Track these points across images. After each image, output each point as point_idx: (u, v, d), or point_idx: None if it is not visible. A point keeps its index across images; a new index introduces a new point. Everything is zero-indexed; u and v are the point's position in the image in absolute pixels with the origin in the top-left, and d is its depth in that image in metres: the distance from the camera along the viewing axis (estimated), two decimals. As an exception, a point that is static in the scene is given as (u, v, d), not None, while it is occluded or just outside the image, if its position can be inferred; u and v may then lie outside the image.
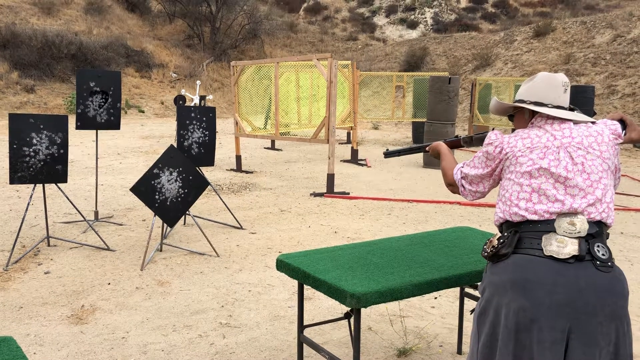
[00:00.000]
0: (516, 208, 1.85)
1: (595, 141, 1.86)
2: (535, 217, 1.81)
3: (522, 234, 1.83)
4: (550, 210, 1.80)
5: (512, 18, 33.04)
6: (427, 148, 2.53)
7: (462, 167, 2.14)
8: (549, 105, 1.95)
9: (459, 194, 2.17)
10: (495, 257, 1.86)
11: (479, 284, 2.01)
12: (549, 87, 1.97)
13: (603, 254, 1.75)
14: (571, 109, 1.99)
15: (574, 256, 1.73)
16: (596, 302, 1.69)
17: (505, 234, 1.88)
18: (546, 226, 1.79)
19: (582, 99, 12.88)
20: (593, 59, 18.05)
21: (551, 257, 1.75)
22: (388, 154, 2.76)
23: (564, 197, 1.80)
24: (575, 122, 1.93)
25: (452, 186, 2.19)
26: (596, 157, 1.84)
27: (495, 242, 1.88)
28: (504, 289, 1.78)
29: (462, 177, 2.12)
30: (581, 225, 1.76)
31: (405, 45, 27.94)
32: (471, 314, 2.86)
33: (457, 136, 2.50)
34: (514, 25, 28.54)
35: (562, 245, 1.74)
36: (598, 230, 1.78)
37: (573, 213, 1.79)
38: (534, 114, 1.99)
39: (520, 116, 2.06)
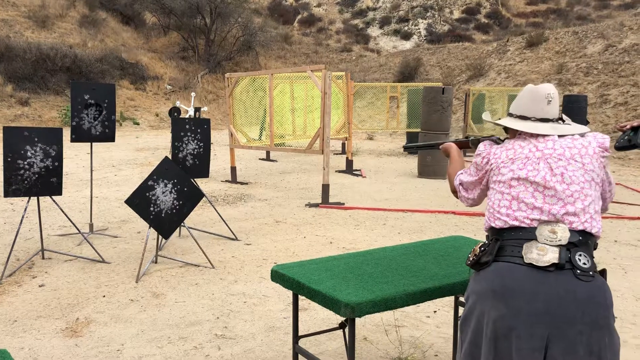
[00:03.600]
0: (498, 214, 1.90)
1: (578, 153, 1.88)
2: (516, 223, 1.84)
3: (504, 242, 1.86)
4: (530, 216, 1.83)
5: (504, 28, 33.32)
6: (440, 146, 2.57)
7: (461, 174, 2.20)
8: (532, 119, 1.99)
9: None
10: (477, 265, 1.89)
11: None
12: (532, 100, 2.01)
13: (584, 263, 1.75)
14: (560, 119, 2.02)
15: (554, 264, 1.73)
16: (575, 311, 1.69)
17: (487, 242, 1.92)
18: (528, 234, 1.82)
19: (575, 109, 12.98)
20: (585, 69, 18.20)
21: (531, 265, 1.76)
22: (407, 147, 3.05)
23: (542, 204, 1.83)
24: (561, 135, 1.95)
25: (455, 192, 2.26)
26: (578, 168, 1.85)
27: (478, 250, 1.91)
28: (485, 296, 1.81)
29: (460, 184, 2.19)
30: (562, 234, 1.77)
31: (399, 56, 28.11)
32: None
33: (467, 137, 2.55)
34: (507, 35, 28.76)
35: (542, 253, 1.75)
36: (581, 240, 1.79)
37: (554, 221, 1.80)
38: None
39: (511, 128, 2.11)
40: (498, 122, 2.09)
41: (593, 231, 1.82)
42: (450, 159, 2.39)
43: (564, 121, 2.02)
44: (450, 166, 2.36)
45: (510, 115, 2.07)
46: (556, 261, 1.73)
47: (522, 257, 1.78)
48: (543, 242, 1.78)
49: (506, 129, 2.17)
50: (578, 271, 1.73)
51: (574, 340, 1.69)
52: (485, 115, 2.34)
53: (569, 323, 1.69)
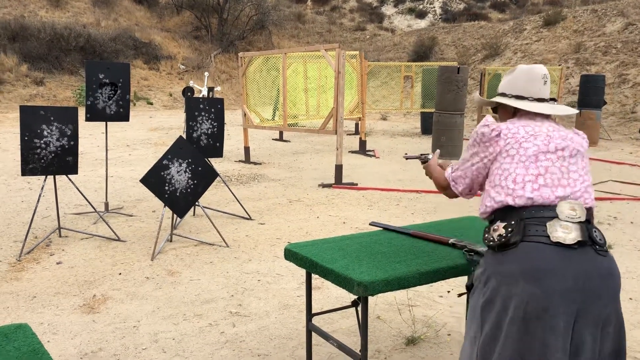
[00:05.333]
0: (521, 191, 1.86)
1: (579, 142, 1.99)
2: (540, 201, 1.84)
3: (526, 221, 1.82)
4: (555, 193, 1.85)
5: (521, 7, 32.72)
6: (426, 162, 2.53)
7: (453, 165, 2.21)
8: (530, 99, 2.03)
9: (453, 194, 2.22)
10: (503, 246, 1.83)
11: (477, 271, 1.97)
12: (529, 80, 2.05)
13: (600, 239, 1.83)
14: (552, 99, 2.07)
15: (578, 241, 1.77)
16: (601, 285, 1.75)
17: (512, 222, 1.85)
18: (549, 212, 1.82)
19: (593, 88, 12.77)
20: (604, 48, 17.86)
21: (558, 244, 1.76)
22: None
23: (568, 180, 1.88)
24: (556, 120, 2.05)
25: (446, 189, 2.23)
26: (580, 153, 1.97)
27: (503, 231, 1.85)
28: (514, 278, 1.76)
29: (452, 172, 2.17)
30: (581, 211, 1.82)
31: (413, 35, 27.77)
32: (459, 296, 2.92)
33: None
34: (524, 14, 28.27)
35: (567, 231, 1.77)
36: (590, 217, 1.87)
37: (573, 198, 1.85)
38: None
39: (504, 109, 2.13)
40: (498, 99, 2.09)
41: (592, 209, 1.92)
42: (431, 169, 2.39)
43: (556, 101, 2.07)
44: (433, 173, 2.36)
45: (504, 94, 2.08)
46: (580, 238, 1.76)
47: (548, 237, 1.77)
48: (565, 219, 1.79)
49: (495, 109, 2.19)
50: (597, 246, 1.79)
51: (599, 314, 1.75)
52: (476, 95, 2.33)
53: (597, 297, 1.75)
